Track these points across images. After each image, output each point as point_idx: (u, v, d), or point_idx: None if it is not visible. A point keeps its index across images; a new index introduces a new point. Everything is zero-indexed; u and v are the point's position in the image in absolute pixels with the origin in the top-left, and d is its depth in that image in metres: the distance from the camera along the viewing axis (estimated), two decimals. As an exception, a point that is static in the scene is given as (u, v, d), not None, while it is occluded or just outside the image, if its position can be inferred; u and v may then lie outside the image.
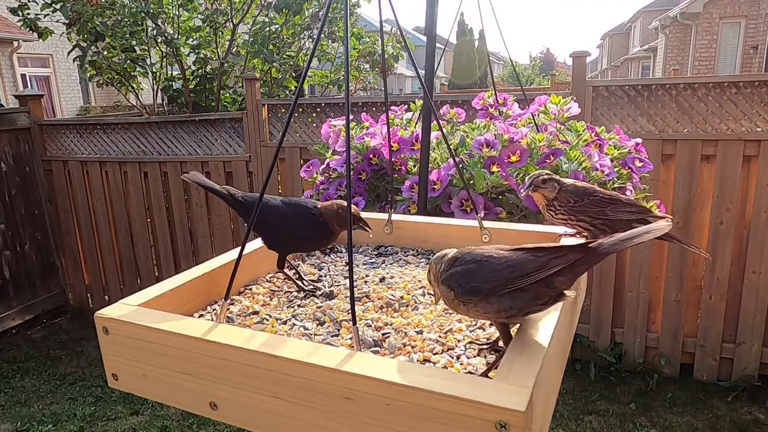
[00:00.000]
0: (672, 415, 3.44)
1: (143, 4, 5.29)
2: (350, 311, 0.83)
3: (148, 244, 4.99)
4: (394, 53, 6.51)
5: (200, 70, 5.88)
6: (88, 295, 5.32)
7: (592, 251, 0.81)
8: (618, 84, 3.67)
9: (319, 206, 1.18)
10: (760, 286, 3.50)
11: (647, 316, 3.81)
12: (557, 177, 1.17)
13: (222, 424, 3.55)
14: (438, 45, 2.45)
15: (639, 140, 1.75)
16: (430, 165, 1.60)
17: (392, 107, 2.16)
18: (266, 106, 4.42)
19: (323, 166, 1.85)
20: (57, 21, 5.42)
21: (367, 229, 1.18)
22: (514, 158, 1.53)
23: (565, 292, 0.82)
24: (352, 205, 0.98)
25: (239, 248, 1.00)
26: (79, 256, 5.28)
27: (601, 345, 3.94)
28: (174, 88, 6.01)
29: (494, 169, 1.50)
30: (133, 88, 5.77)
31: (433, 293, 0.92)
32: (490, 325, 0.97)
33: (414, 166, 1.73)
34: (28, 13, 5.35)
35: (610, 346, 3.92)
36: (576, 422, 3.41)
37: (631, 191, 1.60)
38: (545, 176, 1.16)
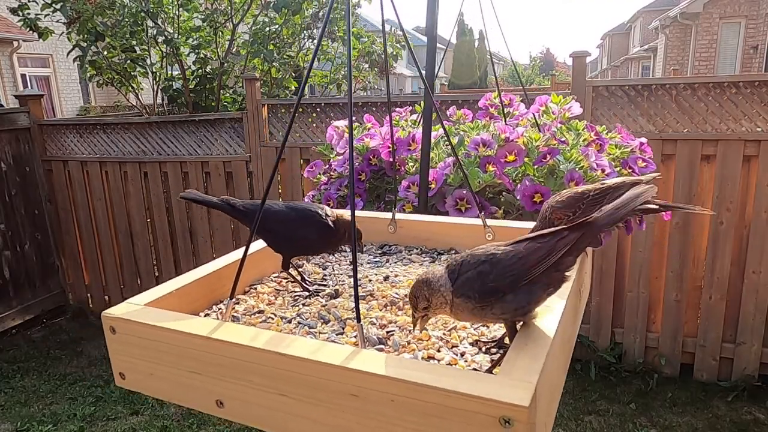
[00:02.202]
0: (672, 415, 3.44)
1: (143, 4, 5.29)
2: (355, 309, 0.84)
3: (148, 244, 4.99)
4: (394, 53, 6.51)
5: (200, 70, 5.88)
6: (88, 295, 5.32)
7: (590, 227, 0.83)
8: (618, 84, 3.67)
9: (329, 212, 1.19)
10: (760, 286, 3.50)
11: (647, 316, 3.81)
12: (550, 203, 1.10)
13: (222, 424, 3.55)
14: (439, 46, 2.45)
15: (644, 140, 1.74)
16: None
17: (396, 108, 2.16)
18: (266, 106, 4.42)
19: (326, 167, 1.86)
20: (57, 21, 5.42)
21: (362, 251, 1.36)
22: (510, 158, 1.54)
23: (566, 273, 0.84)
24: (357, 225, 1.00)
25: (244, 249, 1.00)
26: (79, 256, 5.27)
27: (601, 345, 3.94)
28: (174, 88, 6.01)
29: (490, 168, 1.51)
30: (133, 88, 5.76)
31: (412, 322, 0.88)
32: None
33: (413, 166, 1.74)
34: (28, 13, 5.35)
35: (610, 346, 3.93)
36: (576, 422, 3.41)
37: None
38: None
